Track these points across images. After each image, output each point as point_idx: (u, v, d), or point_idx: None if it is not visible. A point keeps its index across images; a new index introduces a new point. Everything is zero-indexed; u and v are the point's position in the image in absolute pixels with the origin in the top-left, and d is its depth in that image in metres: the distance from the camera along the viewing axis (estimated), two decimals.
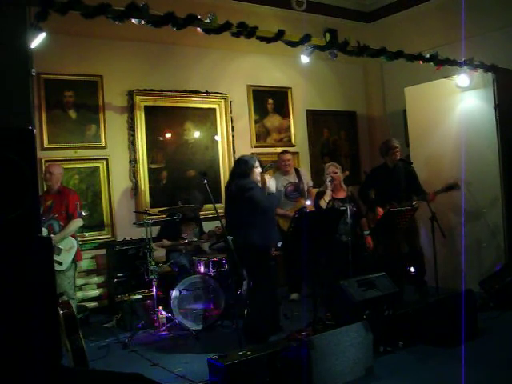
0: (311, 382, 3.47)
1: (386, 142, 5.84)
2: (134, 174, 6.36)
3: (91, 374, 3.37)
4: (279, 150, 7.50)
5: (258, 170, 4.67)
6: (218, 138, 7.03)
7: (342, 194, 5.48)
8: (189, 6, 4.29)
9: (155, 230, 5.56)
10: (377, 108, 8.56)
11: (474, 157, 5.90)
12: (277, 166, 6.49)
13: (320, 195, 5.50)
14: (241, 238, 4.41)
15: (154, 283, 5.12)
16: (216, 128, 7.04)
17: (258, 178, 4.67)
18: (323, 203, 5.36)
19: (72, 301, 4.58)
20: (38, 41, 3.70)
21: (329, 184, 5.38)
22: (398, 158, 5.72)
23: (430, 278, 5.66)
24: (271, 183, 4.76)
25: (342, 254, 5.04)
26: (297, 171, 6.54)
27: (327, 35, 4.75)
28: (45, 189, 5.15)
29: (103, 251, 6.08)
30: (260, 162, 4.78)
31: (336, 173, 5.47)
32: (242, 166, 4.63)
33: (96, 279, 6.07)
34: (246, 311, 4.79)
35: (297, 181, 6.41)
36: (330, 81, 8.10)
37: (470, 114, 6.09)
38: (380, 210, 5.48)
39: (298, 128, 7.78)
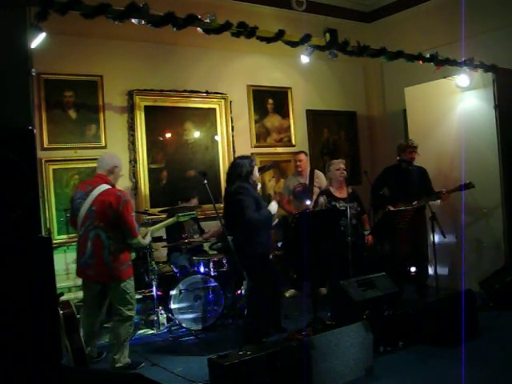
0: (311, 382, 3.47)
1: (406, 140, 5.97)
2: (134, 173, 6.34)
3: (91, 374, 3.37)
4: (279, 150, 7.53)
5: (256, 169, 4.70)
6: (218, 137, 7.02)
7: (344, 193, 5.50)
8: (189, 6, 4.29)
9: None
10: (377, 108, 8.55)
11: (474, 157, 5.90)
12: (275, 166, 6.52)
13: (322, 193, 5.55)
14: (234, 240, 4.39)
15: (154, 283, 5.12)
16: (216, 128, 7.03)
17: (257, 175, 4.72)
18: (322, 200, 5.39)
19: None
20: (37, 41, 3.70)
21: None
22: (415, 158, 5.77)
23: (430, 277, 5.66)
24: (273, 205, 4.67)
25: (342, 253, 5.04)
26: (311, 172, 6.44)
27: (327, 35, 4.75)
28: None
29: None
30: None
31: (345, 169, 5.56)
32: (239, 168, 4.62)
33: None
34: (245, 311, 4.80)
35: (307, 182, 6.35)
36: (330, 81, 8.09)
37: (469, 114, 6.09)
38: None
39: (297, 128, 7.77)
